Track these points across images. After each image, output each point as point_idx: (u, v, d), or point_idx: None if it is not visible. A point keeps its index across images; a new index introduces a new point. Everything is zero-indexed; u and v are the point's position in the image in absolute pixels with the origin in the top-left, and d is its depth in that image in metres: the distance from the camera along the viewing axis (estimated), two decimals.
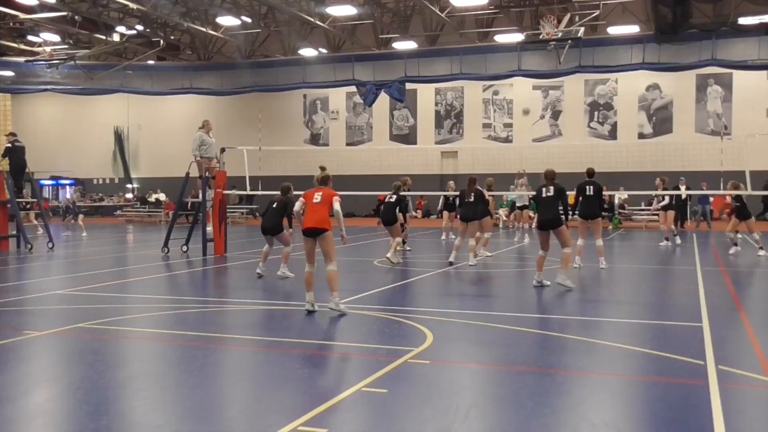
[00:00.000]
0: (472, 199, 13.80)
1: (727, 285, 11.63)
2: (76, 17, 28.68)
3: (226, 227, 16.87)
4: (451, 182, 21.09)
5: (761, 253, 15.94)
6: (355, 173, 31.72)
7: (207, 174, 16.63)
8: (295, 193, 11.09)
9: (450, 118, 37.33)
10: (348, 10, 28.48)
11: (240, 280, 12.98)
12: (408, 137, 37.77)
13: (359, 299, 9.98)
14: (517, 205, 21.25)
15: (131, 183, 42.44)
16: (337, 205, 8.74)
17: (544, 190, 10.88)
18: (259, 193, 19.65)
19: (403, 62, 33.45)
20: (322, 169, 9.20)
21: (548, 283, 10.83)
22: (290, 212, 11.52)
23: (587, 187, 13.24)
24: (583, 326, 8.31)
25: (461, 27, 32.05)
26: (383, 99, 35.39)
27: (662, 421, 4.83)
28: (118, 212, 38.37)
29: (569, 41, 26.91)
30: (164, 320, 8.64)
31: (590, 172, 13.49)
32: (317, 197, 8.77)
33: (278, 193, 12.20)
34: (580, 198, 13.33)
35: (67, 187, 42.45)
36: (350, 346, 7.14)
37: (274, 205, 12.08)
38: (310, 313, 8.61)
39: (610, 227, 27.10)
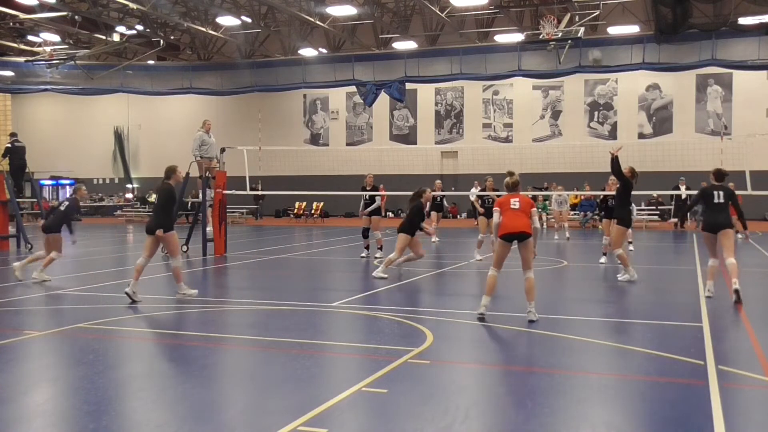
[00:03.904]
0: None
1: (728, 285, 11.60)
2: (76, 17, 28.68)
3: (226, 227, 16.87)
4: (438, 182, 21.12)
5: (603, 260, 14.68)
6: (355, 173, 31.69)
7: (207, 174, 16.62)
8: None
9: (450, 118, 37.33)
10: (348, 10, 28.48)
11: (240, 280, 12.98)
12: (408, 137, 37.77)
13: (359, 299, 9.98)
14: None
15: (131, 183, 42.45)
16: (536, 220, 8.50)
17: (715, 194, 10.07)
18: (268, 192, 19.62)
19: (403, 62, 33.45)
20: (511, 174, 8.61)
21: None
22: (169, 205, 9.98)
23: (716, 192, 10.37)
24: (583, 326, 8.30)
25: (461, 27, 32.06)
26: (383, 99, 35.39)
27: (662, 421, 4.83)
28: (118, 212, 38.37)
29: (569, 41, 26.91)
30: (164, 320, 8.64)
31: (719, 174, 10.68)
32: (515, 203, 8.48)
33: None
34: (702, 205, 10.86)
35: (67, 187, 42.44)
36: (350, 346, 7.13)
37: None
38: (480, 319, 8.23)
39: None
